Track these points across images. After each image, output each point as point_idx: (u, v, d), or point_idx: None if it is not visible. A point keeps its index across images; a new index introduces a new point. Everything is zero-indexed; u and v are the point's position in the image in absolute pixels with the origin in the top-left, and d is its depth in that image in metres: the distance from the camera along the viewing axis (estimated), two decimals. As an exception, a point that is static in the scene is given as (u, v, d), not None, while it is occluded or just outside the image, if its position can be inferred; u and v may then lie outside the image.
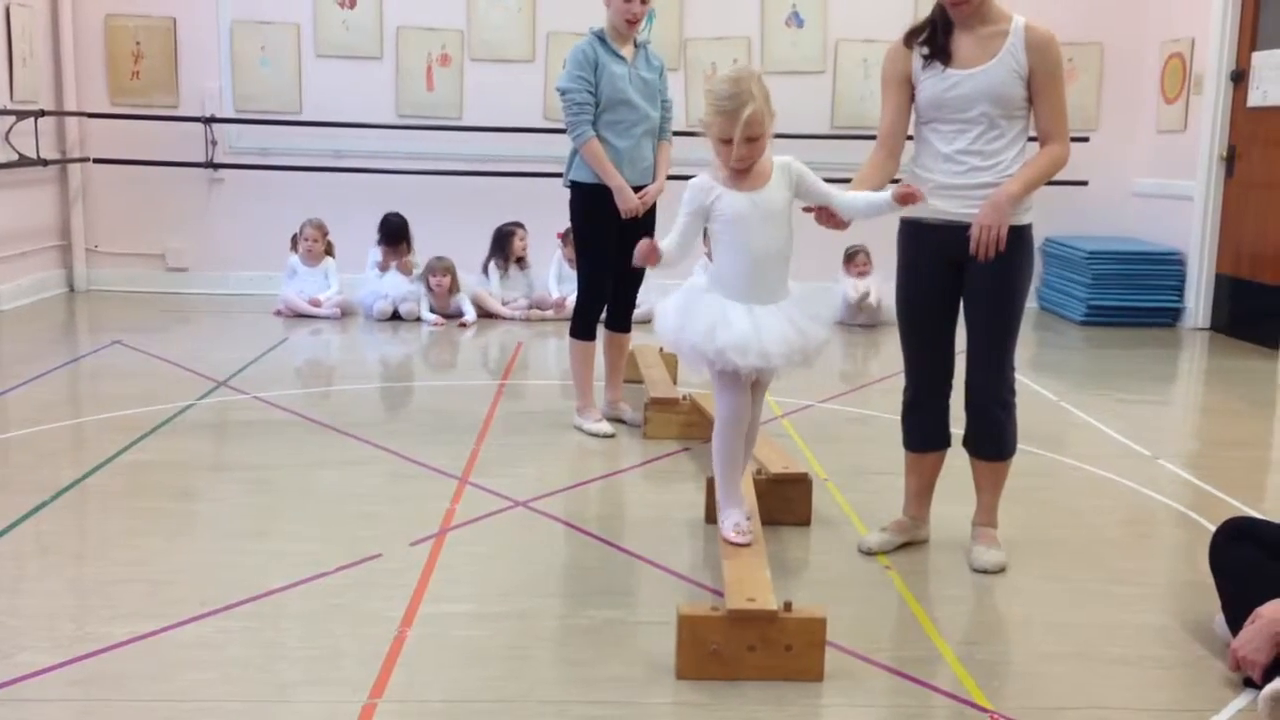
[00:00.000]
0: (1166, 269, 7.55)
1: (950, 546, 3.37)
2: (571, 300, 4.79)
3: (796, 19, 8.00)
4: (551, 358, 6.23)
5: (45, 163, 7.40)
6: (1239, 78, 7.16)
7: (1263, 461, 4.60)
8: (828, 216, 3.07)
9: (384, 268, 7.26)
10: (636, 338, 5.05)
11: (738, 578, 2.71)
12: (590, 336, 4.61)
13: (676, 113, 4.75)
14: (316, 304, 7.18)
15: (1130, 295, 7.50)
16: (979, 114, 3.06)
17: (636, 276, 4.59)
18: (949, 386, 3.31)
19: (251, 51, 7.88)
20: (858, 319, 7.12)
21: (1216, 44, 7.23)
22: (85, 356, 5.88)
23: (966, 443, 3.29)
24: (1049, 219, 7.39)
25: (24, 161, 7.13)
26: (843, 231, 3.18)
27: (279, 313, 7.20)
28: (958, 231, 3.07)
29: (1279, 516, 3.17)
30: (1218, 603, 2.78)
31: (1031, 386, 5.48)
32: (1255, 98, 7.00)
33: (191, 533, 3.42)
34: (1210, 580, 2.83)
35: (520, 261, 7.45)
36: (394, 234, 7.31)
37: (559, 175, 4.64)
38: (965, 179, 3.08)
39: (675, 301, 3.04)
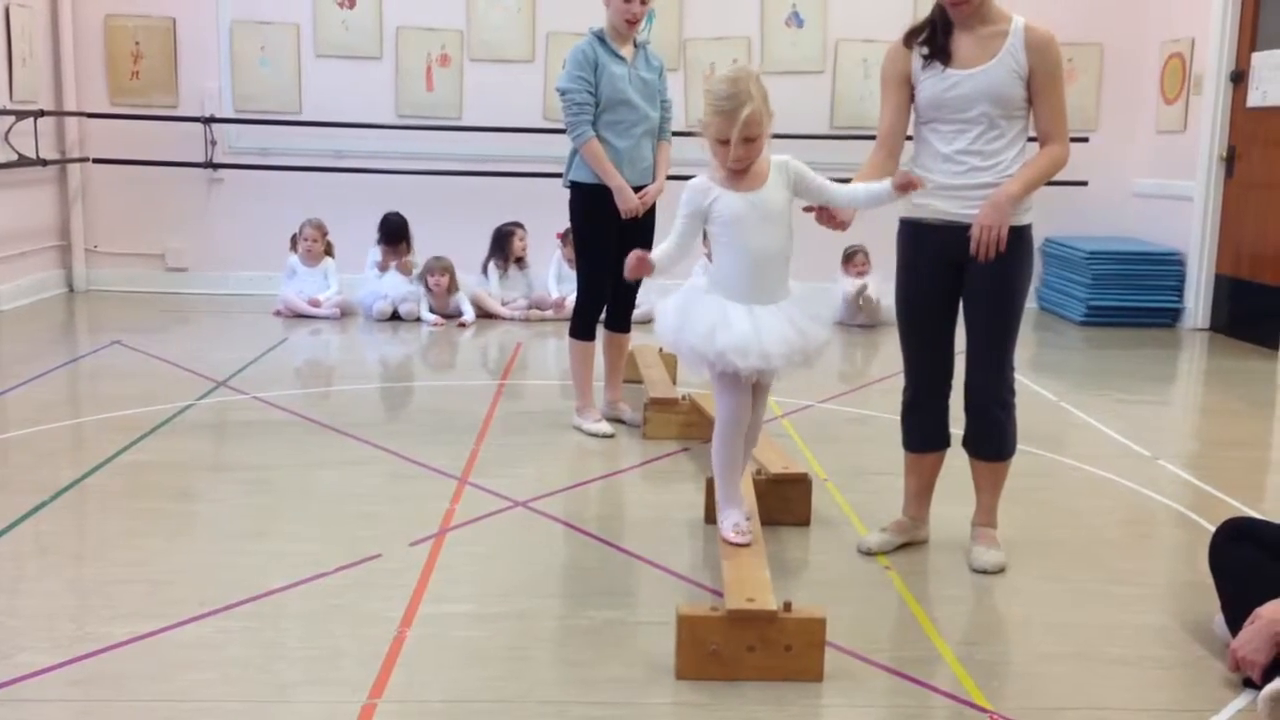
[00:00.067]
0: (1166, 269, 7.56)
1: (950, 547, 3.37)
2: (571, 300, 4.79)
3: (796, 19, 8.00)
4: (551, 358, 6.23)
5: (45, 163, 7.40)
6: (1239, 78, 7.16)
7: (1262, 462, 4.60)
8: (828, 217, 3.07)
9: (383, 268, 7.26)
10: (636, 338, 5.05)
11: (737, 578, 2.71)
12: (590, 337, 4.61)
13: (676, 113, 4.75)
14: (316, 304, 7.18)
15: (1130, 295, 7.50)
16: (979, 114, 3.06)
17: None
18: (948, 387, 3.31)
19: (251, 51, 7.88)
20: (857, 318, 7.12)
21: (1216, 44, 7.24)
22: (85, 357, 5.88)
23: (966, 443, 3.29)
24: (1049, 219, 7.39)
25: (23, 161, 7.13)
26: (843, 232, 3.18)
27: (278, 313, 7.19)
28: (957, 232, 3.07)
29: (1278, 517, 3.17)
30: (1217, 603, 2.78)
31: (1031, 387, 5.48)
32: (1255, 98, 7.00)
33: (191, 533, 3.42)
34: (1210, 580, 2.83)
35: (520, 261, 7.44)
36: (394, 233, 7.31)
37: (558, 175, 4.64)
38: (965, 179, 3.08)
39: (675, 302, 3.04)
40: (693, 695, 2.47)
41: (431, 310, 7.12)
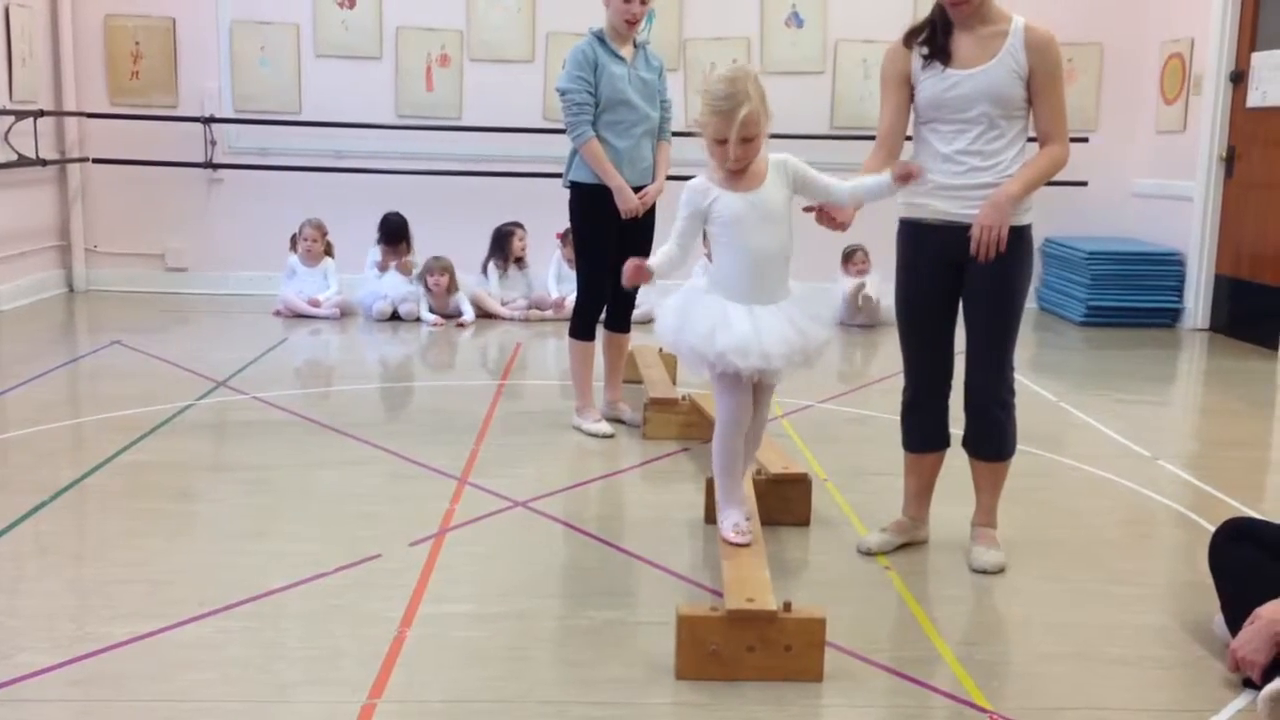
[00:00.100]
0: (1166, 269, 7.56)
1: (950, 547, 3.37)
2: (571, 300, 4.79)
3: (796, 19, 8.00)
4: (550, 358, 6.24)
5: (44, 163, 7.40)
6: (1238, 78, 7.16)
7: (1262, 462, 4.60)
8: (828, 219, 3.07)
9: (383, 268, 7.26)
10: (636, 338, 5.05)
11: (737, 578, 2.71)
12: (589, 337, 4.61)
13: (676, 113, 4.74)
14: (316, 304, 7.18)
15: (1130, 296, 7.50)
16: (979, 114, 3.06)
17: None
18: (948, 387, 3.31)
19: (251, 51, 7.88)
20: (857, 318, 7.12)
21: (1216, 44, 7.24)
22: (84, 357, 5.88)
23: (966, 443, 3.29)
24: (1048, 219, 7.39)
25: (23, 161, 7.13)
26: (843, 233, 3.18)
27: (278, 313, 7.19)
28: (957, 232, 3.07)
29: (1278, 517, 3.17)
30: (1217, 603, 2.78)
31: (1031, 387, 5.48)
32: (1255, 98, 7.00)
33: (191, 533, 3.42)
34: (1209, 581, 2.83)
35: (519, 261, 7.44)
36: (394, 233, 7.31)
37: (558, 175, 4.64)
38: (965, 179, 3.08)
39: (675, 303, 3.04)
40: (693, 695, 2.47)
41: (431, 310, 7.12)
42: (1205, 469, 4.28)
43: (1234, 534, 2.82)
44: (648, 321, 3.87)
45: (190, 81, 7.89)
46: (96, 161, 7.87)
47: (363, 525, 3.45)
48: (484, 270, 7.39)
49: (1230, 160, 7.24)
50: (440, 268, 7.13)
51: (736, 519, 3.02)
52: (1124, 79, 8.13)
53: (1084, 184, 7.89)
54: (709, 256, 3.12)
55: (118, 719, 2.34)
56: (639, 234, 4.46)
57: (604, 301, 4.59)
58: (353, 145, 7.88)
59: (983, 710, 2.45)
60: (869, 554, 3.32)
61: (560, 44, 7.61)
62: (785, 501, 3.54)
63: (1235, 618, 2.63)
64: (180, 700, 2.40)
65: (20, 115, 7.09)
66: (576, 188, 4.45)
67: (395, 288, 7.17)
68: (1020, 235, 3.09)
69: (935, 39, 3.11)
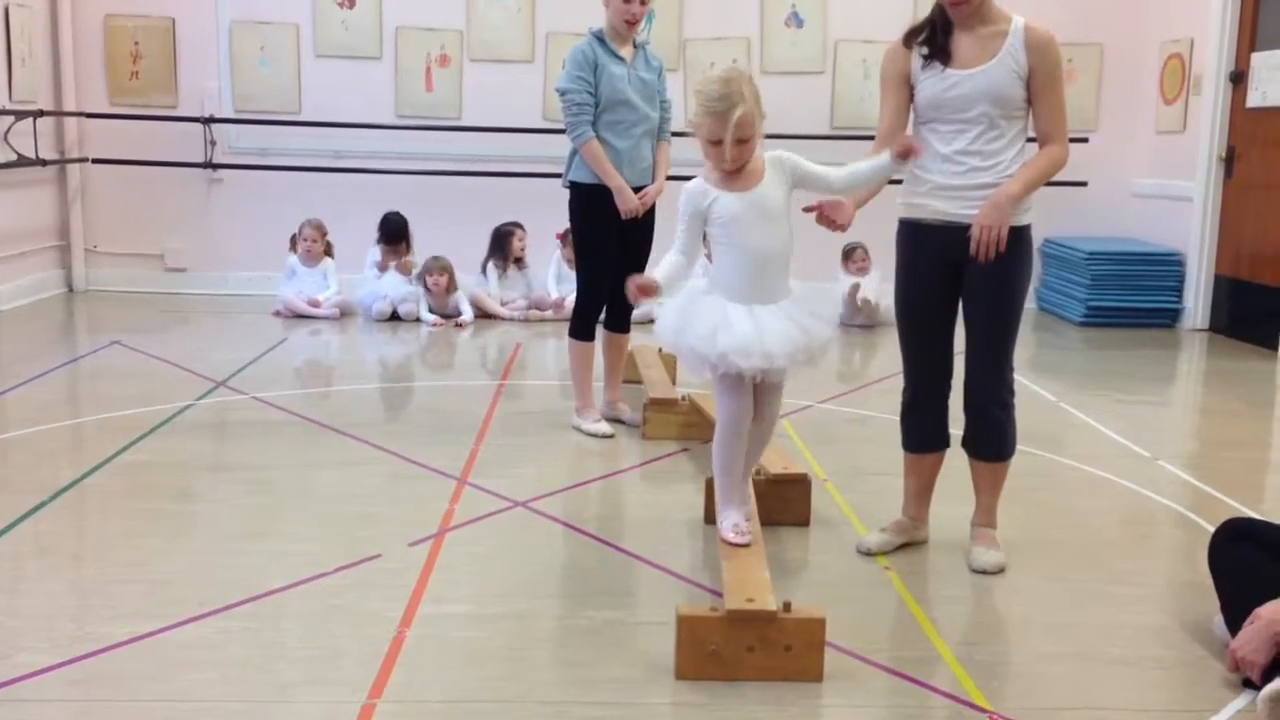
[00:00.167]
0: (1166, 270, 7.55)
1: (949, 547, 3.37)
2: (570, 301, 4.79)
3: (796, 19, 8.00)
4: (550, 358, 6.24)
5: (44, 163, 7.40)
6: (1238, 78, 7.16)
7: (1262, 462, 4.60)
8: (828, 220, 3.06)
9: (383, 268, 7.26)
10: (636, 338, 5.05)
11: (737, 578, 2.71)
12: (589, 337, 4.61)
13: (675, 113, 4.74)
14: (315, 304, 7.17)
15: (1129, 296, 7.50)
16: (978, 114, 3.06)
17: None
18: (948, 387, 3.31)
19: (250, 51, 7.88)
20: (856, 319, 7.12)
21: (1216, 44, 7.24)
22: (84, 357, 5.88)
23: (965, 443, 3.29)
24: (1048, 219, 7.38)
25: (23, 162, 7.13)
26: (843, 233, 3.17)
27: (278, 313, 7.19)
28: (957, 232, 3.07)
29: (1278, 517, 3.17)
30: (1217, 603, 2.78)
31: (1030, 387, 5.48)
32: (1254, 98, 7.01)
33: (191, 533, 3.42)
34: (1209, 581, 2.83)
35: (519, 262, 7.44)
36: (394, 233, 7.31)
37: (558, 175, 4.64)
38: (964, 179, 3.08)
39: (676, 303, 3.03)
40: (692, 695, 2.47)
41: (431, 310, 7.12)
42: (1205, 469, 4.28)
43: (1233, 534, 2.82)
44: (648, 321, 3.86)
45: (190, 81, 7.88)
46: (96, 161, 7.87)
47: (362, 525, 3.45)
48: (483, 270, 7.39)
49: (1230, 160, 7.24)
50: (439, 268, 7.13)
51: (736, 519, 3.02)
52: (1124, 79, 8.13)
53: (1084, 184, 7.89)
54: (709, 257, 3.11)
55: (118, 719, 2.34)
56: (639, 234, 4.47)
57: (603, 302, 4.59)
58: (352, 145, 7.88)
59: (982, 710, 2.45)
60: (869, 554, 3.32)
61: (560, 44, 7.61)
62: (785, 501, 3.54)
63: (1235, 618, 2.63)
64: (180, 700, 2.40)
65: (20, 115, 7.09)
66: (576, 188, 4.45)
67: (395, 288, 7.17)
68: (1020, 235, 3.09)
69: (935, 39, 3.11)
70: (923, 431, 3.34)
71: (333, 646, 2.66)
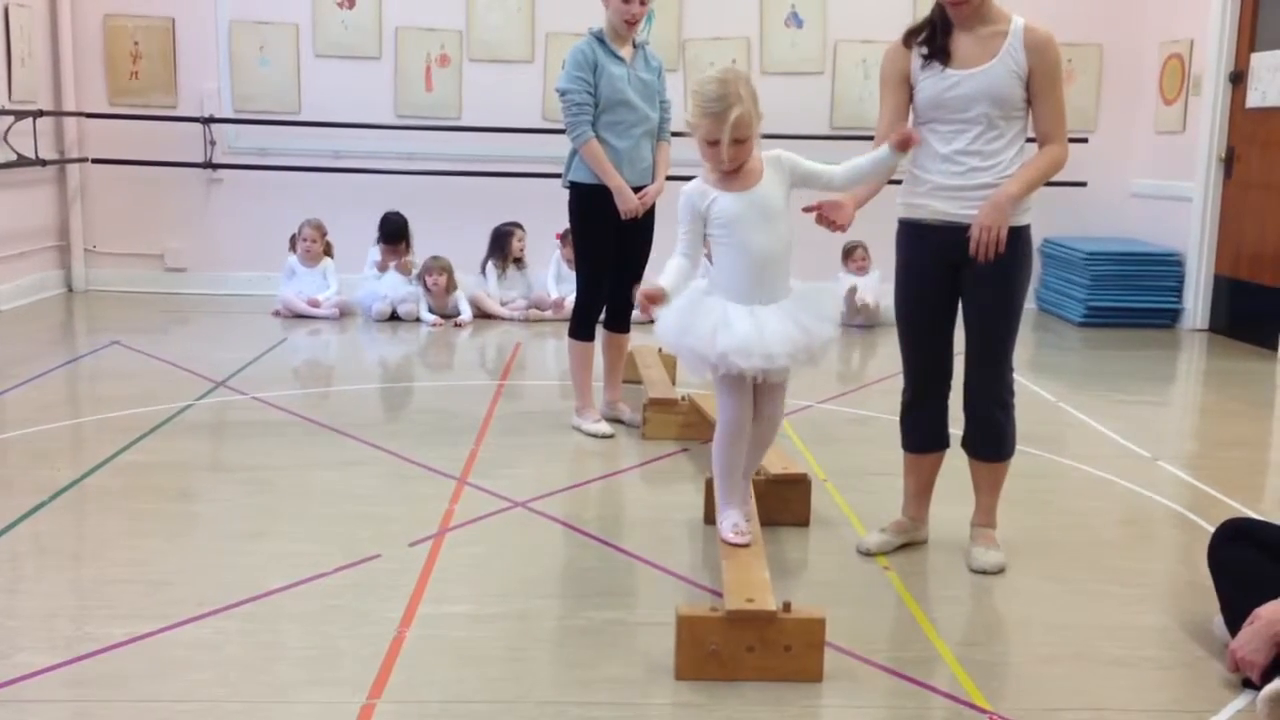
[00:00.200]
0: (1165, 270, 7.56)
1: (949, 547, 3.37)
2: (570, 301, 4.79)
3: (796, 19, 8.00)
4: (550, 358, 6.23)
5: (44, 163, 7.40)
6: (1238, 79, 7.16)
7: (1261, 462, 4.60)
8: (828, 220, 3.06)
9: (382, 268, 7.26)
10: (636, 338, 5.05)
11: (737, 578, 2.71)
12: (589, 337, 4.61)
13: (675, 113, 4.74)
14: (315, 304, 7.17)
15: (1129, 296, 7.50)
16: (978, 114, 3.06)
17: (635, 277, 4.58)
18: (947, 387, 3.31)
19: (250, 51, 7.88)
20: (855, 319, 7.12)
21: (1215, 45, 7.24)
22: (84, 357, 5.88)
23: (965, 444, 3.29)
24: (1048, 220, 7.40)
25: (22, 162, 7.13)
26: (843, 234, 3.17)
27: (277, 313, 7.19)
28: (957, 233, 3.07)
29: (1278, 517, 3.17)
30: (1216, 604, 2.78)
31: (1030, 387, 5.48)
32: (1254, 99, 7.01)
33: (190, 533, 3.42)
34: (1209, 581, 2.83)
35: (518, 262, 7.45)
36: (394, 233, 7.31)
37: (557, 176, 4.64)
38: (964, 180, 3.08)
39: (676, 304, 3.01)
40: (692, 695, 2.47)
41: (430, 310, 7.12)
42: (1205, 469, 4.28)
43: (1233, 534, 2.82)
44: (648, 321, 3.84)
45: (189, 81, 7.88)
46: (96, 161, 7.87)
47: (362, 525, 3.45)
48: (483, 270, 7.39)
49: (1229, 161, 7.24)
50: (439, 267, 7.13)
51: (736, 519, 3.02)
52: (1123, 79, 8.13)
53: (1083, 184, 7.89)
54: (709, 258, 3.11)
55: (117, 719, 2.33)
56: (639, 235, 4.47)
57: (603, 302, 4.59)
58: (352, 145, 7.88)
59: (982, 710, 2.45)
60: (868, 554, 3.32)
61: (560, 44, 7.61)
62: (785, 502, 3.54)
63: (1235, 618, 2.63)
64: (179, 700, 2.40)
65: (20, 115, 7.09)
66: (576, 188, 4.45)
67: (394, 288, 7.17)
68: (1019, 235, 3.09)
69: (935, 39, 3.11)
70: (922, 432, 3.34)
71: (332, 647, 2.65)
